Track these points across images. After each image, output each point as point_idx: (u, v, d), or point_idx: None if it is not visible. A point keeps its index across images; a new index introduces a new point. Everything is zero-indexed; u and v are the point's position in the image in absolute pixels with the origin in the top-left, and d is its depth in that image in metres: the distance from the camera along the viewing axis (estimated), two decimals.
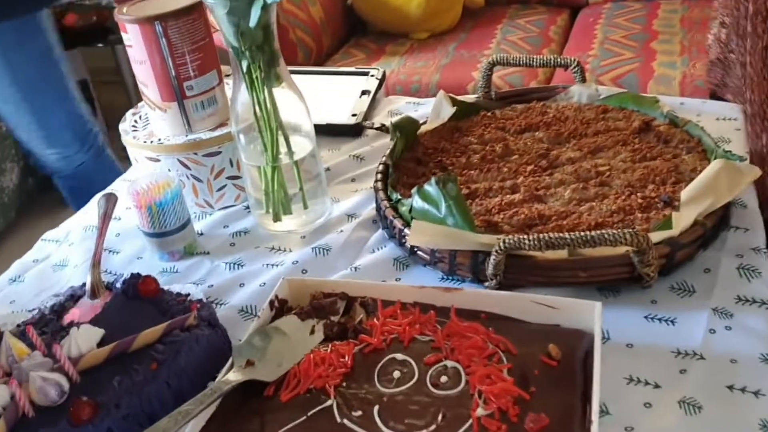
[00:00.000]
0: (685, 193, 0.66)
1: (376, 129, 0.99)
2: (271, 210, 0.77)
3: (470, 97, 0.96)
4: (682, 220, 0.64)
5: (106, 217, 0.74)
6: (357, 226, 0.77)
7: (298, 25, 1.58)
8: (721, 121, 0.92)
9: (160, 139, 0.81)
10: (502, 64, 0.96)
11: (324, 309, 0.60)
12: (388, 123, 0.99)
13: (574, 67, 0.93)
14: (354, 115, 1.02)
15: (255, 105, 0.72)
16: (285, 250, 0.76)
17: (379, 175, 0.80)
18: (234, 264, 0.74)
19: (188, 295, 0.61)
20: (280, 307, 0.61)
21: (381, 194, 0.77)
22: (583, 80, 0.94)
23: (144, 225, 0.74)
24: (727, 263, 0.65)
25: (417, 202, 0.69)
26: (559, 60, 0.94)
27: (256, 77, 0.70)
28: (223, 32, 0.68)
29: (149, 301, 0.60)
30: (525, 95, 0.95)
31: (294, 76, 1.16)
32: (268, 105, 0.72)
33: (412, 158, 0.84)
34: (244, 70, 0.70)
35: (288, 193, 0.77)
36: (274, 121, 0.73)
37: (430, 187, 0.67)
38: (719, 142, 0.85)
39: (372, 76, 1.11)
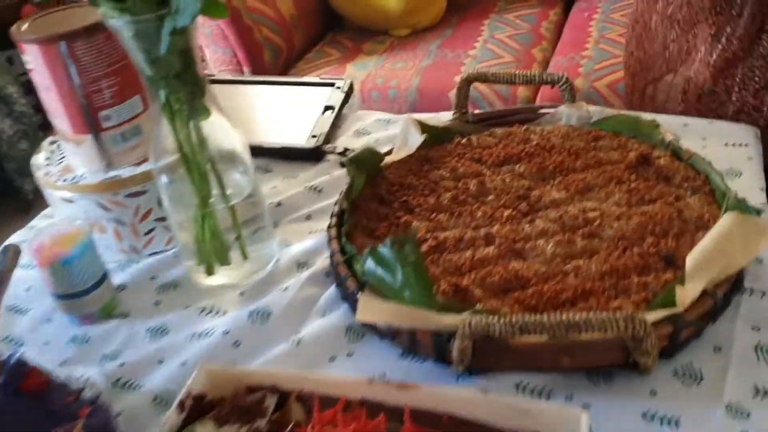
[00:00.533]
0: (691, 260, 0.54)
1: (338, 154, 0.87)
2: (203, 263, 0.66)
3: (444, 118, 0.84)
4: (688, 293, 0.52)
5: (4, 277, 0.62)
6: (306, 281, 0.66)
7: (263, 22, 1.45)
8: (730, 147, 0.80)
9: (74, 177, 0.69)
10: (480, 81, 0.84)
11: (248, 410, 0.48)
12: (353, 146, 0.88)
13: (563, 84, 0.81)
14: (314, 136, 0.90)
15: (179, 142, 0.60)
16: (218, 312, 0.64)
17: (334, 219, 0.69)
18: (156, 330, 0.63)
19: (82, 389, 0.50)
20: (196, 405, 0.49)
21: (334, 244, 0.65)
22: (573, 99, 0.82)
23: (48, 285, 0.62)
24: (742, 341, 0.54)
25: (369, 264, 0.57)
26: (544, 76, 0.82)
27: (177, 110, 0.58)
28: (132, 59, 0.56)
29: (34, 399, 0.49)
30: (506, 116, 0.84)
31: (249, 88, 1.06)
32: (194, 142, 0.60)
33: (374, 196, 0.72)
34: (163, 101, 0.58)
35: (224, 242, 0.65)
36: (202, 160, 0.61)
37: (385, 250, 0.56)
38: (729, 176, 0.74)
39: (338, 88, 0.99)
